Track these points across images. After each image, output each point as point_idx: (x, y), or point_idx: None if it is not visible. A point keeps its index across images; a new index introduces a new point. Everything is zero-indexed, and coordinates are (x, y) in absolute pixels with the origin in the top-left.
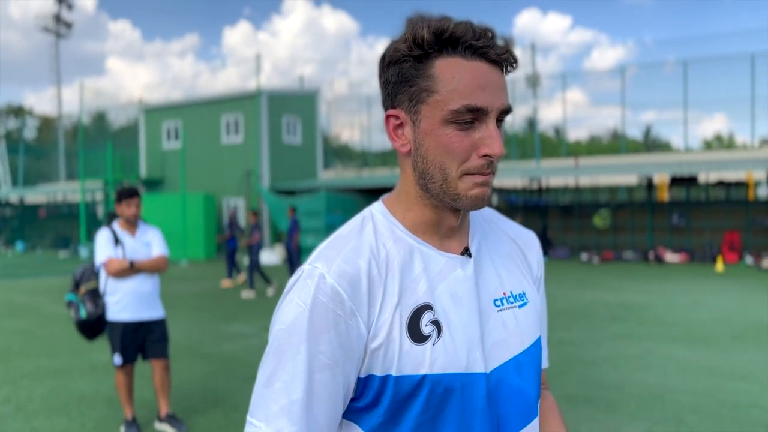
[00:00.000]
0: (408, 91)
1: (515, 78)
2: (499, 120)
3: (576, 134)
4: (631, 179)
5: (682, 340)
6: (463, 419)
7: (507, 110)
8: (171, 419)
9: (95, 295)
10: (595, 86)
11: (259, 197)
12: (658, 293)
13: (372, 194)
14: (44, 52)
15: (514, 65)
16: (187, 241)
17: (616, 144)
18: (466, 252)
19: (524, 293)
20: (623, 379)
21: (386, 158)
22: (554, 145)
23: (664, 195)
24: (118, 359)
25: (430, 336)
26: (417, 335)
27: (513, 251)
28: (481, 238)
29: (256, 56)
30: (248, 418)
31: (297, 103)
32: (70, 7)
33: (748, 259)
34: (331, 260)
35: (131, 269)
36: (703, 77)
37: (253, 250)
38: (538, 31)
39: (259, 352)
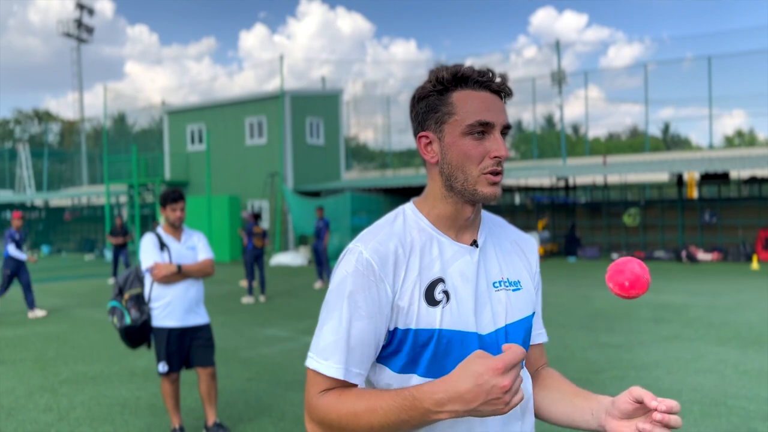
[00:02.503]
0: (434, 117)
1: (538, 76)
2: (503, 134)
3: (594, 132)
4: (662, 177)
5: (733, 342)
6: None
7: (508, 126)
8: (219, 428)
9: (140, 301)
10: (612, 84)
11: (283, 199)
12: (697, 293)
13: (395, 194)
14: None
15: (510, 94)
16: (213, 243)
17: (635, 141)
18: (474, 243)
19: (519, 281)
20: (680, 384)
21: (406, 158)
22: (573, 143)
23: (693, 192)
24: (163, 367)
25: (441, 301)
26: (431, 300)
27: (514, 249)
28: (488, 235)
29: (280, 57)
30: (309, 352)
31: (320, 104)
32: (91, 12)
33: None
34: (368, 241)
35: (179, 274)
36: (722, 73)
37: (247, 254)
38: (553, 29)
39: (297, 357)
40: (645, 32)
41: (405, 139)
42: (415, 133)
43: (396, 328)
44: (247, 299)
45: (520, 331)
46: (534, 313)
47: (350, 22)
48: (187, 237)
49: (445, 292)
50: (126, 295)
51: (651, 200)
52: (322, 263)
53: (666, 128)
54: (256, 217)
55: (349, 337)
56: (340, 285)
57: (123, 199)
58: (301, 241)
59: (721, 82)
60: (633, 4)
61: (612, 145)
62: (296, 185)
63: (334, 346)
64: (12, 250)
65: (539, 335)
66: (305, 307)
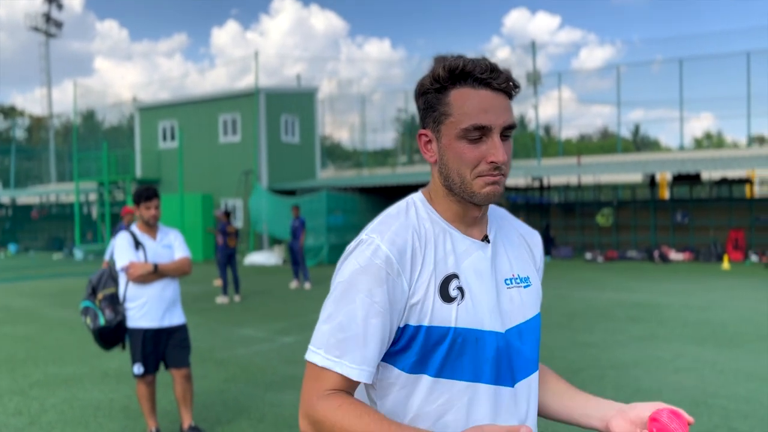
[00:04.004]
0: (432, 115)
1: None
2: (506, 135)
3: (566, 133)
4: (634, 177)
5: (709, 342)
6: (476, 364)
7: (510, 126)
8: (195, 431)
9: (114, 301)
10: (584, 85)
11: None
12: (671, 293)
13: (371, 194)
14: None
15: (516, 90)
16: (189, 241)
17: (607, 143)
18: (486, 239)
19: (528, 277)
20: (660, 383)
21: (381, 157)
22: (545, 144)
23: (665, 193)
24: (138, 369)
25: (455, 298)
26: (446, 296)
27: (521, 244)
28: (497, 230)
29: (255, 54)
30: (309, 346)
31: (295, 102)
32: (60, 6)
33: (753, 257)
34: (384, 233)
35: (155, 273)
36: (691, 76)
37: (219, 253)
38: (526, 31)
39: (275, 357)
40: (616, 35)
41: (380, 139)
42: (420, 128)
43: (407, 325)
44: (221, 299)
45: (533, 330)
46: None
47: (324, 20)
48: (163, 235)
49: (460, 289)
50: (100, 295)
51: (624, 201)
52: (298, 262)
53: (636, 130)
54: (228, 215)
55: (366, 335)
56: (354, 277)
57: (93, 197)
58: (276, 240)
59: (691, 84)
60: (605, 7)
61: (584, 146)
62: (271, 183)
63: (347, 344)
64: None
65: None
66: (281, 308)
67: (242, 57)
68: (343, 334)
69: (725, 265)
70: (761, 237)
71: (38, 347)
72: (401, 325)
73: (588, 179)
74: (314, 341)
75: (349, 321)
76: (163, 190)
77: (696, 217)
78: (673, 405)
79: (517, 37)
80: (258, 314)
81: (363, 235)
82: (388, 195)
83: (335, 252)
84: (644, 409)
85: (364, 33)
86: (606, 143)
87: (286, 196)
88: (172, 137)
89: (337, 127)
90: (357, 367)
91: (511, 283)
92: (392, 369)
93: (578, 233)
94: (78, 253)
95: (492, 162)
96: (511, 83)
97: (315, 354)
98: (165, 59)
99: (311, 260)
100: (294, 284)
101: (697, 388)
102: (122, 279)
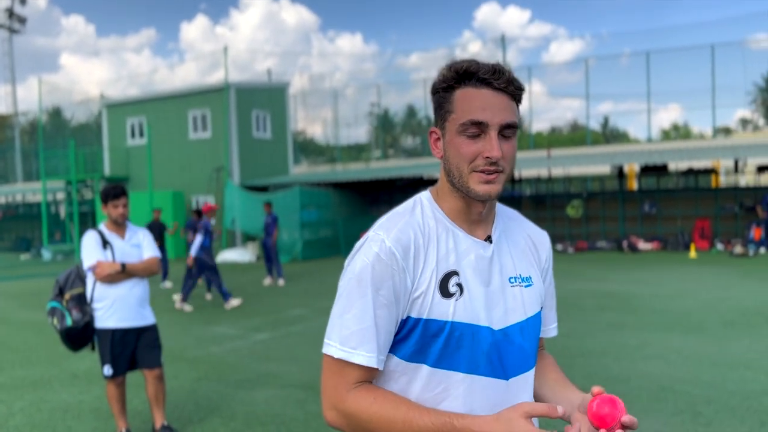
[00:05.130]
0: (439, 114)
1: None
2: (506, 133)
3: (537, 126)
4: (603, 169)
5: (676, 329)
6: (472, 358)
7: (508, 125)
8: (167, 430)
9: (82, 302)
10: (554, 79)
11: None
12: (639, 281)
13: (345, 189)
14: None
15: (518, 91)
16: (163, 236)
17: (576, 135)
18: (488, 239)
19: (530, 277)
20: (628, 371)
21: (354, 152)
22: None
23: (633, 184)
24: (108, 370)
25: (454, 294)
26: (445, 292)
27: (527, 245)
28: (503, 230)
29: (224, 49)
30: (325, 339)
31: (266, 97)
32: (23, 1)
33: (719, 246)
34: (390, 230)
35: (123, 273)
36: (659, 69)
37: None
38: (497, 25)
39: (247, 355)
40: (586, 28)
41: (353, 133)
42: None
43: (408, 317)
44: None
45: (534, 327)
46: (542, 308)
47: (295, 14)
48: (132, 234)
49: (459, 285)
50: (67, 296)
51: (593, 192)
52: (272, 259)
53: (605, 122)
54: (199, 213)
55: (376, 326)
56: (363, 273)
57: (60, 196)
58: (249, 237)
59: (658, 77)
60: (575, 0)
61: (554, 138)
62: (243, 180)
63: (362, 335)
64: None
65: (552, 329)
66: (255, 305)
67: (212, 52)
68: (358, 326)
69: (692, 253)
70: (726, 226)
71: (5, 350)
72: (404, 317)
73: (558, 171)
74: (329, 334)
75: (362, 313)
76: (132, 188)
77: (663, 208)
78: (641, 391)
79: (488, 31)
80: (231, 312)
81: (371, 232)
82: (362, 190)
83: (309, 248)
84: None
85: (335, 27)
86: (576, 136)
87: (258, 193)
88: (141, 134)
89: (309, 122)
90: (375, 356)
91: (514, 282)
92: (392, 357)
93: (549, 225)
94: (46, 254)
95: (487, 157)
96: (513, 85)
97: (331, 346)
98: (133, 55)
99: (285, 257)
100: (267, 281)
101: (663, 375)
102: (90, 279)
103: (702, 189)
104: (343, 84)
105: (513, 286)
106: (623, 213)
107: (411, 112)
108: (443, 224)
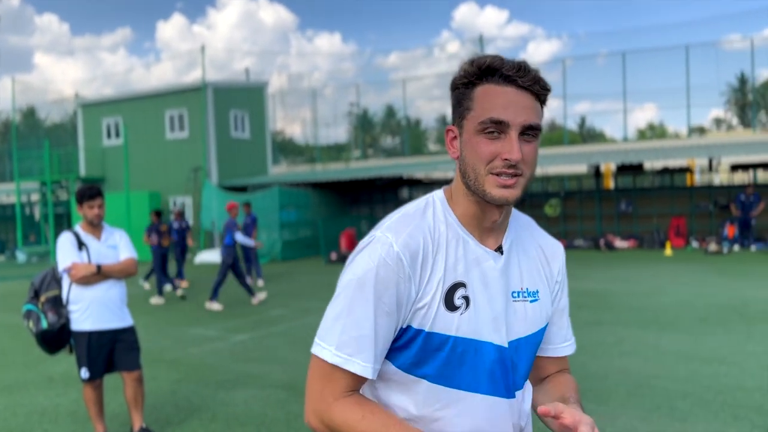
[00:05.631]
0: (458, 111)
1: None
2: (528, 135)
3: None
4: (580, 168)
5: (652, 326)
6: (474, 374)
7: (531, 126)
8: None
9: (57, 304)
10: None
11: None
12: (616, 279)
13: (325, 189)
14: None
15: (544, 91)
16: (133, 241)
17: (554, 135)
18: (499, 249)
19: (537, 291)
20: (606, 367)
21: (334, 152)
22: None
23: (609, 183)
24: (85, 373)
25: (460, 307)
26: (450, 305)
27: (539, 257)
28: (514, 240)
29: (201, 48)
30: (316, 340)
31: (244, 97)
32: None
33: (694, 244)
34: (399, 233)
35: (99, 274)
36: (635, 69)
37: (155, 253)
38: (475, 25)
39: (227, 356)
40: (563, 29)
41: (332, 133)
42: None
43: (409, 326)
44: (156, 299)
45: (531, 345)
46: (546, 324)
47: (273, 13)
48: (108, 235)
49: (465, 298)
50: (42, 298)
51: (570, 191)
52: (251, 260)
53: (582, 122)
54: (159, 214)
55: (376, 334)
56: (366, 276)
57: (35, 197)
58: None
59: (634, 77)
60: (552, 0)
61: None
62: (221, 180)
63: (360, 342)
64: None
65: (566, 347)
66: (233, 305)
67: (189, 51)
68: (357, 332)
69: (668, 251)
70: (701, 224)
71: None
72: (404, 326)
73: (536, 171)
74: (323, 336)
75: (362, 320)
76: (108, 189)
77: (639, 206)
78: (618, 387)
79: (467, 31)
80: (210, 313)
81: (378, 231)
82: (341, 190)
83: (288, 248)
84: (569, 415)
85: (314, 26)
86: (553, 135)
87: (237, 193)
88: (117, 134)
89: (288, 122)
90: (370, 365)
91: (518, 297)
92: (389, 364)
93: None
94: (20, 256)
95: (506, 159)
96: (539, 85)
97: (324, 350)
98: (108, 54)
99: (264, 257)
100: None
101: (640, 371)
102: (65, 281)
103: (677, 188)
104: (322, 84)
105: (516, 300)
106: (600, 212)
107: (390, 111)
108: (454, 230)
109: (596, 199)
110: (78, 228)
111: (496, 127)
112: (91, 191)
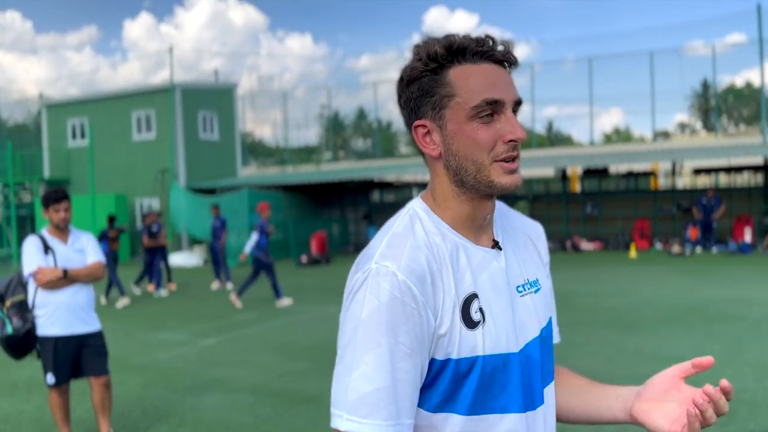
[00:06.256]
0: (430, 101)
1: None
2: (514, 111)
3: None
4: (547, 172)
5: (616, 326)
6: (506, 391)
7: (519, 101)
8: None
9: (23, 309)
10: None
11: (173, 196)
12: (582, 281)
13: (295, 191)
14: None
15: (515, 64)
16: (99, 245)
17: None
18: (497, 245)
19: (537, 279)
20: (571, 367)
21: (305, 154)
22: None
23: (576, 186)
24: (51, 379)
25: (479, 322)
26: (469, 322)
27: (526, 243)
28: (503, 233)
29: (169, 48)
30: (331, 409)
31: (213, 98)
32: None
33: (658, 246)
34: (397, 258)
35: (65, 279)
36: (601, 74)
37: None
38: (446, 28)
39: (195, 360)
40: (532, 34)
41: (303, 135)
42: (408, 123)
43: (433, 359)
44: (123, 301)
45: (547, 338)
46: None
47: (242, 14)
48: (75, 239)
49: (481, 310)
50: (8, 303)
51: (538, 194)
52: (219, 263)
53: (550, 126)
54: (112, 219)
55: (395, 384)
56: (372, 317)
57: None
58: (196, 240)
59: (601, 82)
60: (521, 6)
61: None
62: (189, 182)
63: (376, 398)
64: None
65: (555, 335)
66: (201, 309)
67: (156, 51)
68: (370, 387)
69: (632, 253)
70: (665, 226)
71: None
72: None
73: None
74: (335, 401)
75: (376, 370)
76: (73, 191)
77: (605, 209)
78: None
79: (437, 35)
80: (178, 316)
81: (372, 263)
82: (312, 192)
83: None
84: (659, 382)
85: (284, 27)
86: None
87: (205, 195)
88: (83, 135)
89: (258, 124)
90: (392, 423)
91: (524, 290)
92: (419, 410)
93: None
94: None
95: (511, 141)
96: (511, 55)
97: (337, 416)
98: (74, 53)
99: (233, 260)
100: (215, 285)
101: (605, 370)
102: (31, 285)
103: (641, 191)
104: (293, 85)
105: (523, 295)
106: (567, 214)
107: (361, 114)
108: (450, 238)
109: (563, 202)
110: (44, 232)
111: (493, 108)
112: (57, 194)
